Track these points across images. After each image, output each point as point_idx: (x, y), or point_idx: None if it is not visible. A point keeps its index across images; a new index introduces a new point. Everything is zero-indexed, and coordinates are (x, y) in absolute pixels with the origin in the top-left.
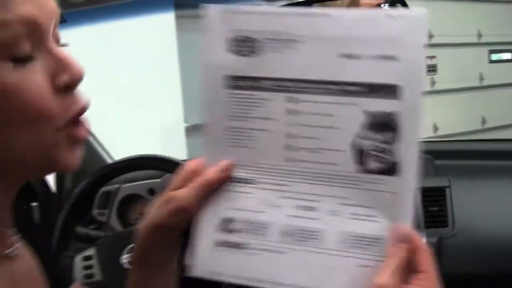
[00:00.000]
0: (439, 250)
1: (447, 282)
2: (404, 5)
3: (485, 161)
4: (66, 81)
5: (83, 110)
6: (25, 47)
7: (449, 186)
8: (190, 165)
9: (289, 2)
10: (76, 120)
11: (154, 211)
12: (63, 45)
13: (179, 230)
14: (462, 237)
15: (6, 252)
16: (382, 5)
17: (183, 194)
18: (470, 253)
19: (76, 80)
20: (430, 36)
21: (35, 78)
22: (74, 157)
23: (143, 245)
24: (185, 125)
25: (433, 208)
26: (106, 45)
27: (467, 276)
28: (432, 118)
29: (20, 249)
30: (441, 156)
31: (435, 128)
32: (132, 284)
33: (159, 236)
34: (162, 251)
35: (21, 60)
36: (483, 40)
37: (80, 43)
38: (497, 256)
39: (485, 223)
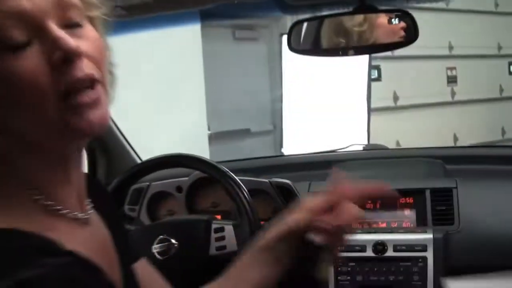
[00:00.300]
0: (445, 245)
1: (454, 274)
2: (412, 20)
3: (490, 166)
4: (59, 58)
5: (79, 81)
6: (18, 37)
7: (456, 187)
8: (329, 187)
9: (312, 15)
10: (78, 89)
11: (290, 214)
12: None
13: (302, 234)
14: (467, 233)
15: (80, 215)
16: (392, 20)
17: (314, 202)
18: (474, 248)
19: (67, 55)
20: (450, 47)
21: (31, 59)
22: (86, 120)
23: (270, 236)
24: (208, 132)
25: (441, 207)
26: (136, 53)
27: (471, 268)
28: (452, 129)
29: (93, 216)
30: (451, 161)
31: (455, 139)
32: (238, 265)
33: (285, 234)
34: (279, 249)
35: (18, 47)
36: (503, 52)
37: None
38: (499, 250)
39: (488, 221)
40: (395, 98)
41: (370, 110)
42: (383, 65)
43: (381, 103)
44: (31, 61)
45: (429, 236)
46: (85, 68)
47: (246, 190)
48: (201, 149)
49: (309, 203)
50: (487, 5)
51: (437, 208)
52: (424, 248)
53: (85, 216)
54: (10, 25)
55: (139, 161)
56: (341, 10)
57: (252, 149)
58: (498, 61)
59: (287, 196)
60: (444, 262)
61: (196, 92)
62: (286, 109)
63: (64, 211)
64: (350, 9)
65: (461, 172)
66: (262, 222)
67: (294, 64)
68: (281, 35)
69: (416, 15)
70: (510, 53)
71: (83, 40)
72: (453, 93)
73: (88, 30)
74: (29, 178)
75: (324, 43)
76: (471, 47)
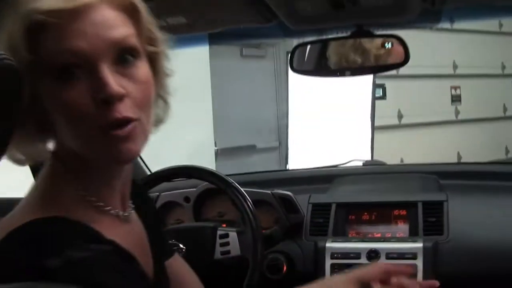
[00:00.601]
0: (435, 253)
1: (442, 280)
2: (404, 44)
3: (481, 181)
4: (101, 98)
5: (117, 120)
6: (73, 71)
7: (446, 200)
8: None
9: (313, 39)
10: (115, 126)
11: (366, 267)
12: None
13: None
14: (456, 243)
15: (121, 213)
16: (386, 44)
17: (386, 265)
18: (462, 257)
19: (108, 98)
20: (455, 66)
21: (79, 91)
22: (120, 150)
23: (338, 277)
24: (215, 148)
25: (432, 218)
26: None
27: (459, 276)
28: (456, 147)
29: (133, 215)
30: (445, 176)
31: (459, 157)
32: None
33: (353, 281)
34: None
35: (68, 78)
36: (507, 71)
37: None
38: (484, 259)
39: (476, 232)
40: (400, 116)
41: (374, 128)
42: (388, 84)
43: (386, 121)
44: (78, 92)
45: (420, 245)
46: (124, 110)
47: (250, 201)
48: (208, 165)
49: (382, 264)
50: (492, 25)
51: (428, 220)
52: (414, 256)
53: (126, 214)
54: (65, 59)
55: (149, 173)
56: (339, 35)
57: (258, 165)
58: (502, 81)
59: (289, 207)
60: (433, 270)
61: (203, 109)
62: (292, 126)
63: (107, 208)
64: (348, 33)
65: (454, 186)
66: (263, 231)
67: (300, 82)
68: (288, 53)
69: (421, 35)
70: None
71: (131, 80)
72: (457, 112)
73: (140, 68)
74: (78, 178)
75: (332, 62)
76: (475, 66)
